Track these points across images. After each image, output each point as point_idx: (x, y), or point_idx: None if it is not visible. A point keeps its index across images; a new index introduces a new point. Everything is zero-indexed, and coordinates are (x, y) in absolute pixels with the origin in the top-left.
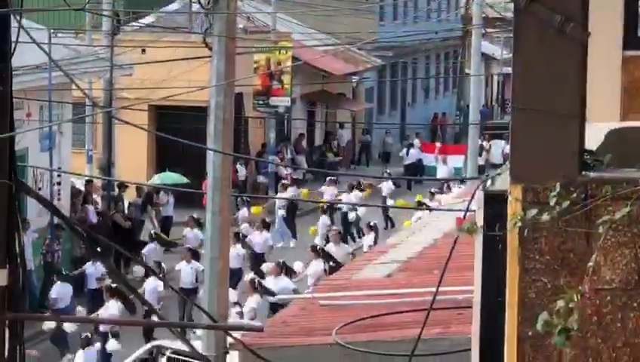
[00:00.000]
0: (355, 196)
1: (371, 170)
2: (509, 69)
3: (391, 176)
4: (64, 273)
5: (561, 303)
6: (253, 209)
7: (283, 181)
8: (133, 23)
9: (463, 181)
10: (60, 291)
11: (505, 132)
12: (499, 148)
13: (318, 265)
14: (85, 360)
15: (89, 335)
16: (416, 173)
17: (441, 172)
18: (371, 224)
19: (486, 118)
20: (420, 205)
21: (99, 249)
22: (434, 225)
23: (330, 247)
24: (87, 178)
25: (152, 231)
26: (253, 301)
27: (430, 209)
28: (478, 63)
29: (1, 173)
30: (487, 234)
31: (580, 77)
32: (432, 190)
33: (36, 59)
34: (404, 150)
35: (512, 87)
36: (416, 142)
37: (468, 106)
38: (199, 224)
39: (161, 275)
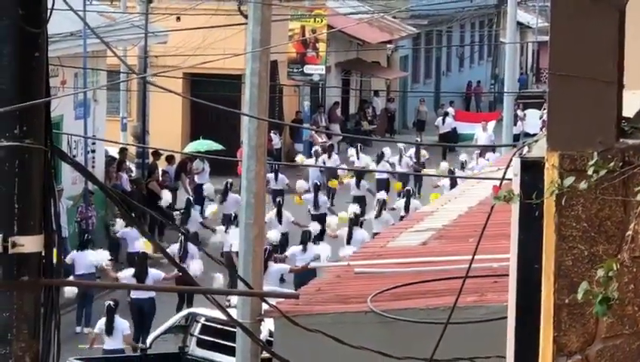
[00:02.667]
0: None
1: (403, 139)
2: (544, 38)
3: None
4: (87, 239)
5: (600, 272)
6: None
7: (315, 148)
8: None
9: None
10: (76, 258)
11: (539, 101)
12: (534, 117)
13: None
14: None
15: (111, 303)
16: (451, 142)
17: (481, 139)
18: (407, 188)
19: (524, 86)
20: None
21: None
22: (469, 193)
23: (371, 219)
24: (121, 146)
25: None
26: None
27: (466, 177)
28: (513, 32)
29: (37, 140)
30: (523, 201)
31: (618, 43)
32: (463, 159)
33: (71, 27)
34: (440, 119)
35: (549, 53)
36: (451, 110)
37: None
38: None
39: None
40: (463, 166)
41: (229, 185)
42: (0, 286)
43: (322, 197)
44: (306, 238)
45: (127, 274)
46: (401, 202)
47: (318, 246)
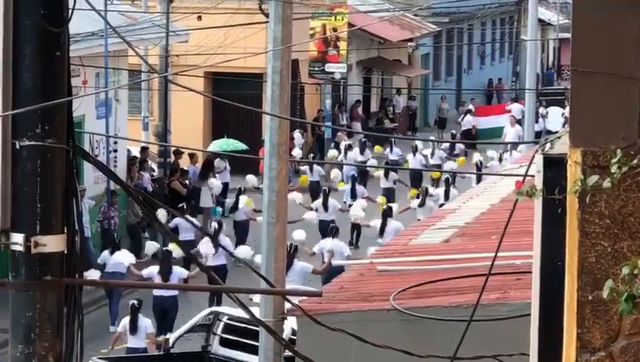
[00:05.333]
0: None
1: (424, 137)
2: (565, 35)
3: (455, 138)
4: (117, 240)
5: (625, 270)
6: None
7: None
8: None
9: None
10: (114, 260)
11: (560, 98)
12: (557, 114)
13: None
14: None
15: (135, 303)
16: (471, 139)
17: (510, 134)
18: (446, 177)
19: (551, 83)
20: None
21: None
22: (491, 191)
23: (415, 207)
24: (143, 145)
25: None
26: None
27: (489, 174)
28: (533, 29)
29: (59, 139)
30: (546, 198)
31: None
32: (498, 153)
33: (92, 27)
34: (462, 117)
35: (571, 49)
36: (471, 107)
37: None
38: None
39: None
40: (500, 159)
41: None
42: (23, 286)
43: (360, 188)
44: (332, 234)
45: (151, 272)
46: (440, 190)
47: (333, 241)
